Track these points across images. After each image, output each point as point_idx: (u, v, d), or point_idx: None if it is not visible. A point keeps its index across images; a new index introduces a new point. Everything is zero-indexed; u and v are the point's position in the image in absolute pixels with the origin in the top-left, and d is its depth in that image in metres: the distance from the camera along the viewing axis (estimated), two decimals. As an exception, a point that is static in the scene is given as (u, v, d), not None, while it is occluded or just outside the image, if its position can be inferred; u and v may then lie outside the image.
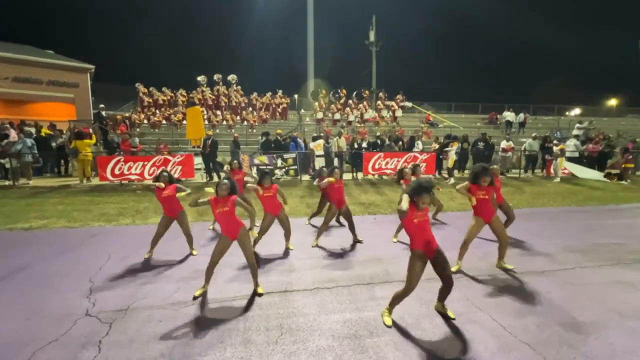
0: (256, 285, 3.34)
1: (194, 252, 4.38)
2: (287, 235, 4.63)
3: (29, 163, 9.90)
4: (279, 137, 12.34)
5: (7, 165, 9.72)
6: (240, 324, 2.78)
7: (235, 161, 5.87)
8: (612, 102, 33.78)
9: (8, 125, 10.66)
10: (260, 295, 3.26)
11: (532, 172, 13.10)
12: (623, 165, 11.25)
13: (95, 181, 9.96)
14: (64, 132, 12.60)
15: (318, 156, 11.15)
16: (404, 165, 4.81)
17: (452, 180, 10.31)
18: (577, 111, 27.55)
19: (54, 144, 11.26)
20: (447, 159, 11.48)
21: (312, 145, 11.40)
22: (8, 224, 5.73)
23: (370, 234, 5.26)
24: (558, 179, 11.30)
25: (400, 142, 13.18)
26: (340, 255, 4.40)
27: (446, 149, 11.68)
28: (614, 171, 11.90)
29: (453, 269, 3.70)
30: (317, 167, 10.88)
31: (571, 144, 13.10)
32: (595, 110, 27.54)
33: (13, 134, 10.24)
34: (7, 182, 9.69)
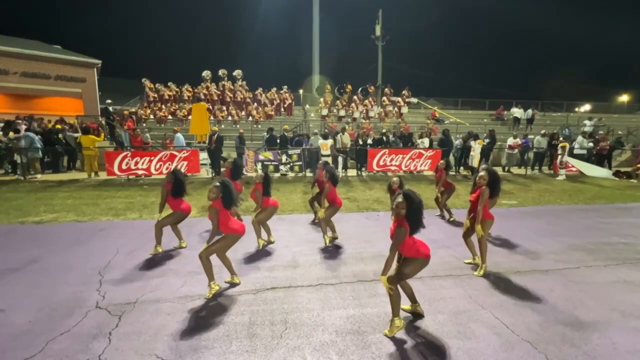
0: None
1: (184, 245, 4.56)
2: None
3: (36, 158, 10.07)
4: (285, 133, 12.33)
5: (19, 161, 9.90)
6: (245, 318, 2.84)
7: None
8: (624, 98, 33.15)
9: (20, 121, 10.82)
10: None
11: (539, 170, 12.97)
12: (638, 165, 11.05)
13: (103, 176, 10.11)
14: (70, 126, 12.75)
15: (324, 156, 10.64)
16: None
17: None
18: (586, 107, 27.07)
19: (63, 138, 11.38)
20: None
21: (320, 142, 10.93)
22: (20, 217, 5.86)
23: (373, 230, 5.30)
24: (562, 177, 11.18)
25: (405, 139, 13.15)
26: (344, 252, 4.43)
27: (472, 143, 11.31)
28: (623, 169, 11.72)
29: (478, 273, 3.68)
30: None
31: (579, 141, 12.91)
32: (605, 106, 27.01)
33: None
34: (16, 177, 9.89)
